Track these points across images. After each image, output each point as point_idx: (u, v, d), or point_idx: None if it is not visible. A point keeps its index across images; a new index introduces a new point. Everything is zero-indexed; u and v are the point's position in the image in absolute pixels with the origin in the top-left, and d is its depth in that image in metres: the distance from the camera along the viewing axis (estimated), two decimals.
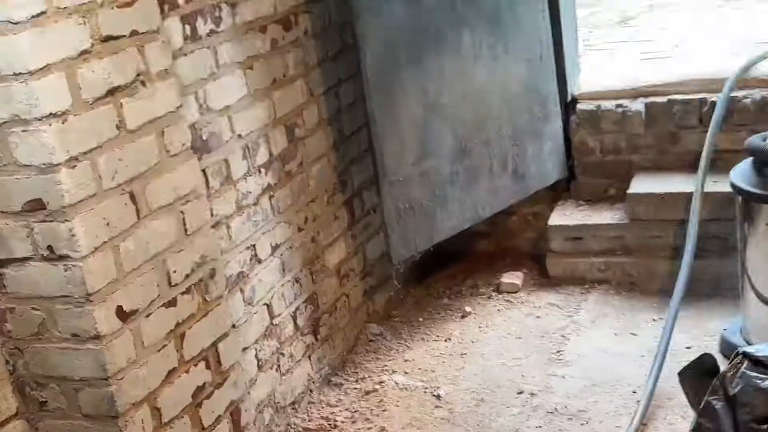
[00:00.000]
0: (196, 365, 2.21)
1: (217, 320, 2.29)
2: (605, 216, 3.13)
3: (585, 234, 3.12)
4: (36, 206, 1.89)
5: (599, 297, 3.08)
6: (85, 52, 1.85)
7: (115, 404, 1.96)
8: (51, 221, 1.90)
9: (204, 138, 2.41)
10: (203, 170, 2.35)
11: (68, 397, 2.03)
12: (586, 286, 3.13)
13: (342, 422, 2.64)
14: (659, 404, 2.47)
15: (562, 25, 3.21)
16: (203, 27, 2.37)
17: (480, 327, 3.06)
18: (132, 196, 2.02)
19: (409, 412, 2.65)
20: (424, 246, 3.16)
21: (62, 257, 1.90)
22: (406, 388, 2.78)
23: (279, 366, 2.69)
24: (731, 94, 2.97)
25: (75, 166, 1.89)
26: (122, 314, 1.99)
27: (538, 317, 3.04)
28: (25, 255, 1.94)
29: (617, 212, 3.11)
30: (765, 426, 1.60)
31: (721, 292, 2.87)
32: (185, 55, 2.31)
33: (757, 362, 1.64)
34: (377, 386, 2.80)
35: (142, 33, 2.01)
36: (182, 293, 2.15)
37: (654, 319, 2.84)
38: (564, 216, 3.23)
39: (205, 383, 2.22)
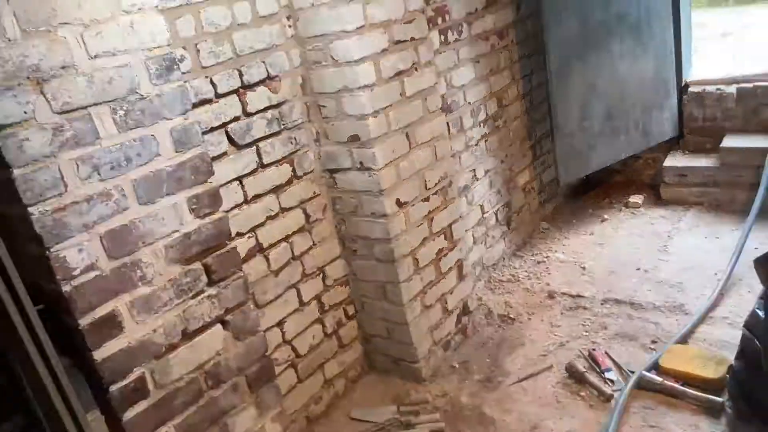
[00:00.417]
0: (438, 237, 2.71)
1: (452, 211, 2.79)
2: (703, 161, 3.68)
3: (688, 172, 3.69)
4: (354, 138, 2.37)
5: (695, 213, 3.63)
6: (384, 50, 2.33)
7: (393, 254, 2.49)
8: (362, 148, 2.37)
9: (448, 103, 2.98)
10: (447, 123, 2.93)
11: (368, 248, 2.56)
12: (686, 206, 3.70)
13: (522, 278, 3.34)
14: (733, 282, 2.88)
15: (681, 36, 3.72)
16: (451, 36, 2.99)
17: (613, 228, 3.67)
18: (407, 135, 2.49)
19: (564, 276, 3.26)
20: (579, 175, 3.78)
21: (368, 168, 2.39)
22: (563, 261, 3.41)
23: (485, 242, 3.37)
24: None
25: (377, 116, 2.34)
26: (399, 203, 2.47)
27: (652, 224, 3.62)
28: (348, 166, 2.44)
29: (712, 159, 3.63)
30: None
31: None
32: (440, 53, 2.92)
33: None
34: (545, 259, 3.48)
35: (417, 39, 2.49)
36: (433, 194, 2.65)
37: (732, 230, 3.33)
38: (674, 160, 3.80)
39: (443, 248, 2.75)
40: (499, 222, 3.48)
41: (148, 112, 1.61)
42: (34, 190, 1.40)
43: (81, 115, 1.47)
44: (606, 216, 3.83)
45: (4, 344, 1.19)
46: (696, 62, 3.97)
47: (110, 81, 1.52)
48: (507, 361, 2.73)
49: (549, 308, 3.04)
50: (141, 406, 1.62)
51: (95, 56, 1.50)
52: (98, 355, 1.52)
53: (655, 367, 2.43)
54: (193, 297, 1.73)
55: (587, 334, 2.79)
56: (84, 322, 1.49)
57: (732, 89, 3.58)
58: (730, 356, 2.21)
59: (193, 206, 1.73)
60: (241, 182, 2.23)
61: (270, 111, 2.32)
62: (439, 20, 2.90)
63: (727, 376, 2.22)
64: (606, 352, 2.60)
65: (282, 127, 2.37)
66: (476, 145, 3.25)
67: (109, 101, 1.53)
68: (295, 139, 2.43)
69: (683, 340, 2.59)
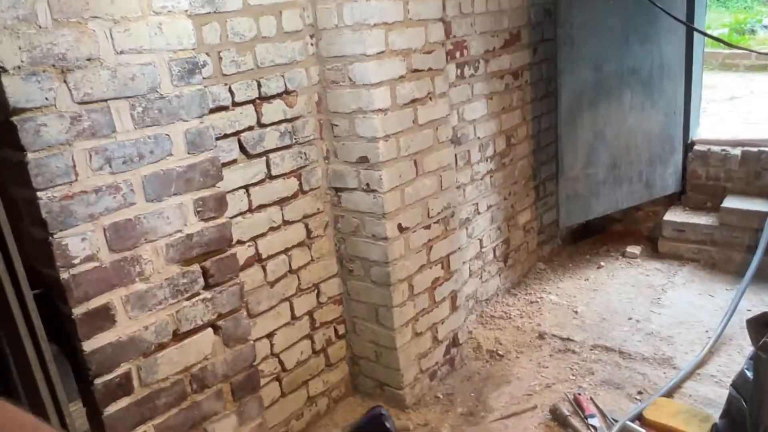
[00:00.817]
0: (435, 265, 2.71)
1: (451, 242, 2.78)
2: (702, 219, 3.70)
3: (687, 228, 3.72)
4: (363, 160, 2.39)
5: (691, 269, 3.65)
6: (401, 77, 2.36)
7: (389, 277, 2.48)
8: (369, 169, 2.38)
9: (458, 135, 3.02)
10: (455, 155, 2.94)
11: (365, 269, 2.55)
12: (683, 262, 3.73)
13: (514, 315, 3.31)
14: (723, 341, 2.88)
15: (691, 95, 3.77)
16: (468, 71, 3.02)
17: (608, 275, 3.69)
18: (415, 162, 2.51)
19: (556, 318, 3.24)
20: (580, 220, 3.75)
21: (373, 190, 2.41)
22: (556, 304, 3.40)
23: (481, 276, 3.35)
24: None
25: (387, 140, 2.35)
26: (400, 228, 2.48)
27: (647, 275, 3.64)
28: (353, 186, 2.45)
29: (711, 218, 3.67)
30: None
31: None
32: (455, 86, 2.96)
33: None
34: (538, 299, 3.46)
35: (435, 69, 2.52)
36: (434, 222, 2.66)
37: (726, 289, 3.35)
38: (674, 215, 3.82)
39: (439, 277, 2.74)
40: (496, 258, 3.48)
41: (166, 111, 1.62)
42: (45, 175, 1.40)
43: (100, 107, 1.49)
44: (602, 263, 3.85)
45: None
46: (703, 122, 4.03)
47: (133, 77, 1.54)
48: (492, 396, 2.70)
49: (538, 348, 3.03)
50: (124, 402, 1.60)
51: (121, 52, 1.52)
52: (87, 346, 1.51)
53: (639, 417, 2.41)
54: (188, 298, 1.72)
55: (574, 378, 2.78)
56: (78, 311, 1.48)
57: (737, 151, 3.64)
58: (715, 414, 2.20)
59: (199, 208, 1.73)
60: (247, 191, 2.24)
61: (284, 124, 2.34)
62: (458, 54, 2.95)
63: None
64: (591, 398, 2.59)
65: (294, 141, 2.39)
66: (481, 179, 3.27)
67: (129, 97, 1.54)
68: (305, 154, 2.45)
69: (669, 393, 2.57)
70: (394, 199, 2.45)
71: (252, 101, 2.20)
